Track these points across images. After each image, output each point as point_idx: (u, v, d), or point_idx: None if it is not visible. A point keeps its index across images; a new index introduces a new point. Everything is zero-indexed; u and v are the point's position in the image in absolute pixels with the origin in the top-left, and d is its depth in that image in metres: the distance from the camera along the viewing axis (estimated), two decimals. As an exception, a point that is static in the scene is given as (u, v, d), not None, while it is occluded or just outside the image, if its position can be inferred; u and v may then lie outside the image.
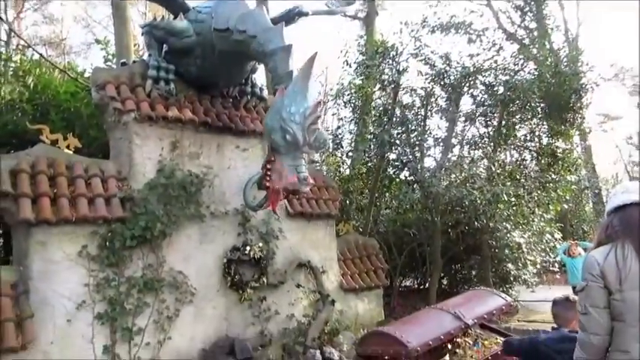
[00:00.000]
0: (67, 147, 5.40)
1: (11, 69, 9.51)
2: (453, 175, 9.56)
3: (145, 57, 6.41)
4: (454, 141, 10.75)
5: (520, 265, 10.54)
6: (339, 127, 11.48)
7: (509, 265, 10.55)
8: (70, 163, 5.28)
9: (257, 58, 5.78)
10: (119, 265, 5.20)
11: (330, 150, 11.64)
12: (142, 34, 6.23)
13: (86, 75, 10.74)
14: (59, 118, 8.37)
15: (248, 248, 6.20)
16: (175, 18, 6.01)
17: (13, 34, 15.02)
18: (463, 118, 10.74)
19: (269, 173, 5.18)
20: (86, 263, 5.01)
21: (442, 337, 3.90)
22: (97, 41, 10.49)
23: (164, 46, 6.13)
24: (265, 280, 6.32)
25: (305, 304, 6.77)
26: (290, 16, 6.84)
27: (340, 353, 5.78)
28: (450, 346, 4.22)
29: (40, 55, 9.68)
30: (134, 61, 6.49)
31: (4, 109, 8.41)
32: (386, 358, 4.00)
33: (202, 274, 5.89)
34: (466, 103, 10.67)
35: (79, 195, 5.06)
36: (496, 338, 4.51)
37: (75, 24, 23.84)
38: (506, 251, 10.32)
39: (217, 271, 6.03)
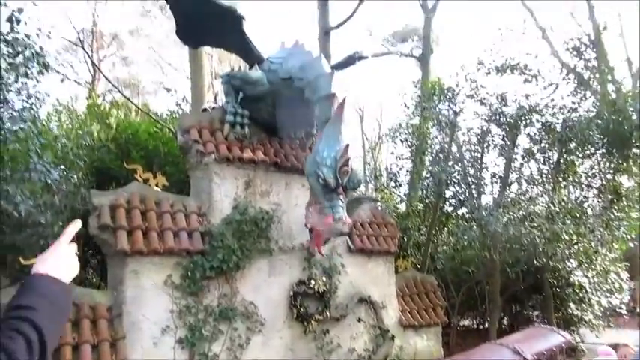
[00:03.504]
0: (156, 185, 6.05)
1: (97, 112, 10.56)
2: (512, 213, 9.61)
3: (222, 103, 7.09)
4: (512, 178, 10.82)
5: (584, 305, 10.31)
6: (396, 166, 11.82)
7: (572, 305, 10.34)
8: (158, 199, 5.92)
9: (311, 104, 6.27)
10: (198, 294, 5.72)
11: (388, 187, 11.96)
12: (221, 83, 6.91)
13: (163, 115, 11.73)
14: (139, 155, 9.20)
15: (312, 282, 6.60)
16: (251, 68, 6.67)
17: (97, 76, 16.62)
18: (520, 156, 10.82)
19: (309, 215, 5.60)
20: (170, 291, 5.56)
21: (502, 371, 4.12)
22: (167, 89, 11.48)
23: (240, 93, 6.78)
24: (328, 314, 6.67)
25: (365, 339, 7.04)
26: (351, 61, 7.50)
27: (401, 387, 6.00)
28: (511, 381, 4.41)
29: (127, 98, 10.70)
30: (213, 108, 7.17)
31: (93, 148, 9.34)
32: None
33: (270, 306, 6.31)
34: (523, 142, 10.73)
35: (166, 229, 5.66)
36: (557, 376, 4.65)
37: (148, 64, 25.72)
38: (569, 291, 10.15)
39: (284, 303, 6.44)
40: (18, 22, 5.52)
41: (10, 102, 5.49)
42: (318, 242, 5.50)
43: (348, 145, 5.35)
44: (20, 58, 5.55)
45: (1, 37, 5.32)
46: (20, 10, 5.53)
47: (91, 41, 19.34)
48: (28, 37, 5.62)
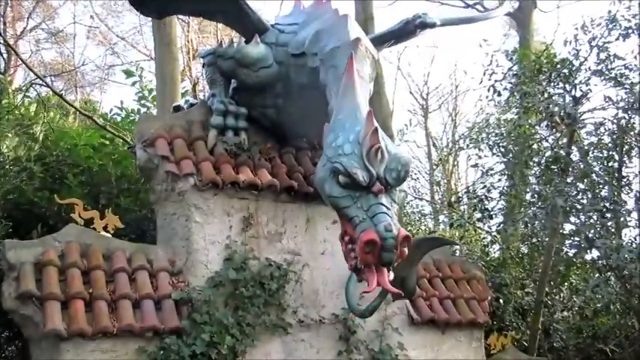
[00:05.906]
0: (105, 228, 6.14)
1: (14, 117, 10.76)
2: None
3: (206, 97, 7.20)
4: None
5: None
6: (482, 185, 11.73)
7: None
8: (108, 250, 5.99)
9: None
10: (174, 402, 5.72)
11: (470, 220, 11.84)
12: (203, 66, 7.02)
13: (114, 118, 11.94)
14: (78, 182, 9.36)
15: (355, 376, 6.56)
16: (248, 42, 6.71)
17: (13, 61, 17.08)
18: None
19: (348, 248, 5.22)
20: (130, 397, 5.59)
21: None
22: (127, 73, 11.62)
23: (232, 81, 6.85)
24: None
25: None
26: (409, 29, 7.38)
27: None
28: None
29: (58, 94, 10.92)
30: (191, 104, 7.26)
31: (7, 172, 9.51)
32: None
33: (289, 415, 6.29)
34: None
35: (121, 297, 5.70)
36: None
37: (90, 41, 26.25)
38: None
39: (310, 410, 6.41)
40: None
41: None
42: (380, 279, 4.94)
43: (371, 111, 5.13)
44: None
45: None
46: None
47: (2, 9, 19.98)
48: None
